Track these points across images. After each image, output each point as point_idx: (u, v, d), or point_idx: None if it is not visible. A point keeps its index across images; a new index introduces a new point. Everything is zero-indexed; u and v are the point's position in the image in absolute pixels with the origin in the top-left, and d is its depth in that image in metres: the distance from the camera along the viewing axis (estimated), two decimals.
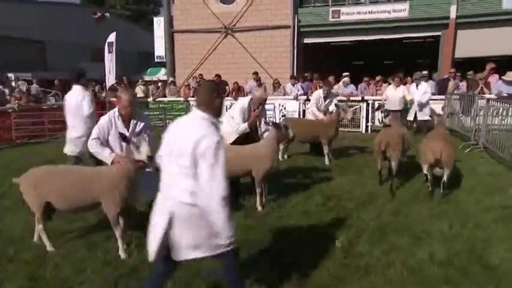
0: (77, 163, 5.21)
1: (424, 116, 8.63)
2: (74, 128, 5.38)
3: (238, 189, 5.12)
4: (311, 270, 3.21)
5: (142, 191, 3.84)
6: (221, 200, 2.21)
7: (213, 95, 2.39)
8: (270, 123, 4.85)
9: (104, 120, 3.74)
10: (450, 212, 4.46)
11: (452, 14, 13.38)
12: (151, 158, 3.19)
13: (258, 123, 5.20)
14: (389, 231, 3.95)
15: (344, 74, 11.34)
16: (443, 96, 10.24)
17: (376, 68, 18.12)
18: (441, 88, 10.81)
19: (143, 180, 3.76)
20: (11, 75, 21.41)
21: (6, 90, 15.58)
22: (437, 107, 10.03)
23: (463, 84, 10.43)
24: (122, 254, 3.43)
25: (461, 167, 6.27)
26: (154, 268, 2.56)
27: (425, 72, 10.52)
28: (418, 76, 9.44)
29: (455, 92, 10.11)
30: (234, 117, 4.96)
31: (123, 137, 3.34)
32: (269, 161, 4.56)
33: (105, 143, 3.67)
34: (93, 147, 3.61)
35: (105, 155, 3.55)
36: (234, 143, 5.05)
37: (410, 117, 9.24)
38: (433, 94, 10.47)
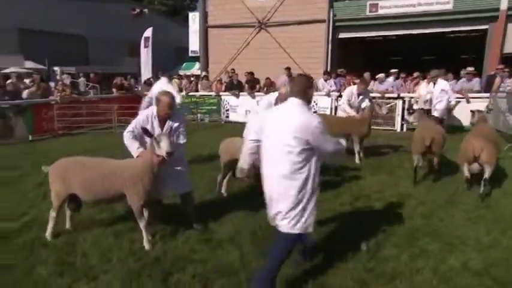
0: None
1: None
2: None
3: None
4: (332, 272, 3.12)
5: (170, 186, 3.93)
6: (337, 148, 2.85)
7: (307, 86, 2.83)
8: None
9: (142, 116, 3.80)
10: (489, 218, 4.18)
11: (503, 6, 12.46)
12: (170, 154, 3.22)
13: None
14: (419, 236, 3.77)
15: (392, 70, 10.78)
16: (488, 94, 9.61)
17: (416, 64, 17.31)
18: (487, 85, 10.16)
19: (171, 175, 3.83)
20: (56, 69, 22.68)
21: (52, 84, 16.52)
22: (481, 106, 9.47)
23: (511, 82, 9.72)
24: (146, 245, 3.51)
25: (504, 169, 5.86)
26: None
27: (443, 71, 9.83)
28: (434, 74, 8.58)
29: (500, 89, 9.45)
30: (259, 113, 4.91)
31: (145, 132, 3.38)
32: None
33: (138, 138, 3.71)
34: (126, 139, 3.66)
35: (133, 148, 3.60)
36: None
37: None
38: (477, 92, 9.92)
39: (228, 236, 3.76)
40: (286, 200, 2.67)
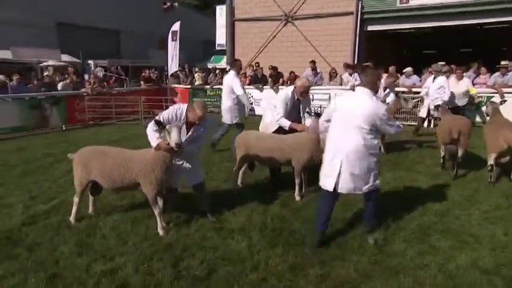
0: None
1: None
2: (226, 102, 7.07)
3: (277, 179, 5.18)
4: (338, 264, 3.17)
5: (183, 176, 4.10)
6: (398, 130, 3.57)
7: (377, 79, 3.60)
8: (312, 114, 4.79)
9: (172, 111, 3.82)
10: (508, 218, 4.06)
11: None
12: (179, 145, 3.35)
13: (301, 113, 5.14)
14: (431, 232, 3.74)
15: (437, 64, 10.19)
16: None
17: (453, 57, 16.59)
18: None
19: (184, 167, 4.00)
20: (90, 62, 23.63)
21: (86, 76, 17.27)
22: None
23: None
24: (160, 232, 3.70)
25: None
26: (322, 199, 3.62)
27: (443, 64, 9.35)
28: (436, 68, 8.26)
29: None
30: (276, 106, 4.97)
31: (158, 123, 3.52)
32: (308, 152, 4.53)
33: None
34: (149, 128, 3.70)
35: (153, 139, 3.64)
36: (277, 131, 5.08)
37: (423, 115, 8.45)
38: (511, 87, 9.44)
39: (239, 226, 3.89)
40: (359, 167, 3.38)
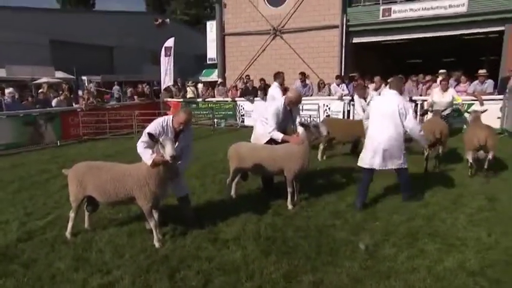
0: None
1: None
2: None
3: (271, 187, 5.20)
4: (330, 270, 3.19)
5: (171, 188, 4.10)
6: (418, 129, 4.58)
7: (401, 84, 5.01)
8: (303, 123, 4.85)
9: (158, 125, 3.81)
10: (492, 220, 4.13)
11: None
12: (174, 157, 3.36)
13: (294, 120, 5.20)
14: (420, 236, 3.78)
15: (482, 71, 10.26)
16: (501, 96, 9.36)
17: (436, 66, 16.88)
18: (501, 87, 9.90)
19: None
20: (84, 78, 23.55)
21: (80, 92, 17.20)
22: (496, 107, 9.23)
23: None
24: (156, 244, 3.67)
25: (511, 172, 5.75)
26: (365, 176, 4.72)
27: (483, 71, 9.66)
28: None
29: None
30: (268, 119, 5.01)
31: (151, 137, 3.53)
32: (300, 161, 4.58)
33: (152, 145, 3.67)
34: (139, 148, 3.69)
35: (146, 156, 3.61)
36: (268, 142, 5.12)
37: None
38: (490, 94, 9.68)
39: (233, 236, 3.88)
40: (395, 150, 4.51)
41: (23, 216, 4.65)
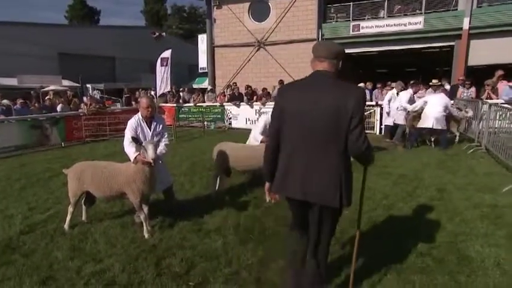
0: None
1: (388, 121, 8.80)
2: None
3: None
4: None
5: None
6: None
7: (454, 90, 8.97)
8: None
9: (131, 126, 3.76)
10: (441, 208, 4.21)
11: (465, 26, 12.44)
12: (155, 160, 3.34)
13: None
14: (379, 224, 3.82)
15: (435, 81, 10.47)
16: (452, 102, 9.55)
17: (400, 75, 17.14)
18: (452, 94, 10.10)
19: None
20: (88, 85, 23.10)
21: (84, 98, 16.84)
22: None
23: (472, 90, 9.68)
24: (146, 234, 3.62)
25: (461, 166, 5.89)
26: (417, 133, 7.43)
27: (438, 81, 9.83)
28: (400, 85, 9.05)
29: (463, 97, 9.42)
30: (257, 130, 5.04)
31: (134, 140, 3.46)
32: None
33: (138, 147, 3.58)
34: (125, 147, 3.65)
35: (130, 154, 3.57)
36: None
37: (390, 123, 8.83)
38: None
39: (215, 227, 3.85)
40: (439, 123, 7.18)
41: (27, 210, 4.53)
